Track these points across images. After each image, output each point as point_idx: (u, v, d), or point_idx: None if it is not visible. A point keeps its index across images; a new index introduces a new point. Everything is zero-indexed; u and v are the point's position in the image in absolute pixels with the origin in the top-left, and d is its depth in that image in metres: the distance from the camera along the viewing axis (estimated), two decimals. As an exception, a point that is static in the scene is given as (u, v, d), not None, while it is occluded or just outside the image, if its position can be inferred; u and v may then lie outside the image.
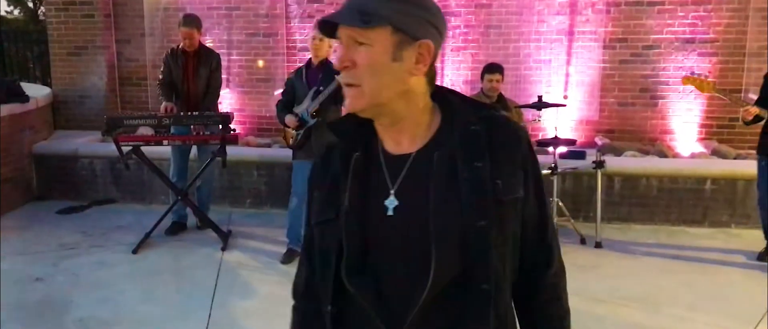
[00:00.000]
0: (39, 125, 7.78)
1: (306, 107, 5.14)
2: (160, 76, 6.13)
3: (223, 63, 7.72)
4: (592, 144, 7.48)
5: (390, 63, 1.38)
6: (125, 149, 5.74)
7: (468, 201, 1.36)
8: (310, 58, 5.31)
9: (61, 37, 8.43)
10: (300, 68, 5.42)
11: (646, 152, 7.09)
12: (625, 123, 7.62)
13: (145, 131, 6.95)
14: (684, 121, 7.48)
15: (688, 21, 7.36)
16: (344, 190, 1.44)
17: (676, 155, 7.24)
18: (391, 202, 1.42)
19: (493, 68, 6.01)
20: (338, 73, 1.51)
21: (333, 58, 4.54)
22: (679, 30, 7.40)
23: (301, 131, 5.18)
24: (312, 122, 5.09)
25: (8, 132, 6.98)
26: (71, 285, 5.00)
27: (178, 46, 6.07)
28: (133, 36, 8.42)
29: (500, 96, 6.07)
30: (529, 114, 6.36)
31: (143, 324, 4.34)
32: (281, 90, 5.63)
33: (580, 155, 6.62)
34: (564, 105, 6.24)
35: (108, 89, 8.43)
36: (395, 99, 1.41)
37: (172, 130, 5.93)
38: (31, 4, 12.30)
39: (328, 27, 1.42)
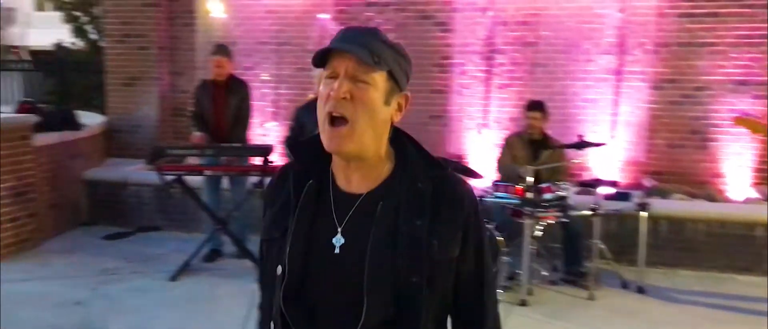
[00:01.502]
0: (91, 152, 8.01)
1: None
2: (192, 109, 6.27)
3: (272, 97, 7.85)
4: (639, 186, 7.30)
5: (381, 106, 1.47)
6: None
7: (403, 256, 1.44)
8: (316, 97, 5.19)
9: (116, 68, 8.72)
10: (309, 104, 5.09)
11: (694, 196, 6.88)
12: (674, 165, 7.42)
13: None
14: (737, 164, 7.24)
15: (742, 63, 7.17)
16: (293, 215, 1.51)
17: (726, 200, 7.01)
18: (338, 240, 1.48)
19: (532, 106, 5.96)
20: None
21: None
22: (732, 72, 7.21)
23: None
24: None
25: (60, 158, 7.21)
26: (108, 310, 5.09)
27: (208, 79, 6.22)
28: (185, 69, 8.64)
29: (545, 135, 5.99)
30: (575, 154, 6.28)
31: (172, 352, 4.38)
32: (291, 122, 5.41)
33: (625, 196, 6.48)
34: (604, 145, 6.13)
35: (159, 119, 8.65)
36: (373, 140, 1.48)
37: (205, 161, 6.04)
38: (93, 36, 12.75)
39: (321, 58, 1.47)
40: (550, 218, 5.46)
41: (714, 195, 6.91)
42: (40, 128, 6.90)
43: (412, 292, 1.44)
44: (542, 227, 5.55)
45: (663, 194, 6.90)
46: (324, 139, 1.47)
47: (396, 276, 1.43)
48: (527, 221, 5.26)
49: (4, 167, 6.25)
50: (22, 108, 7.31)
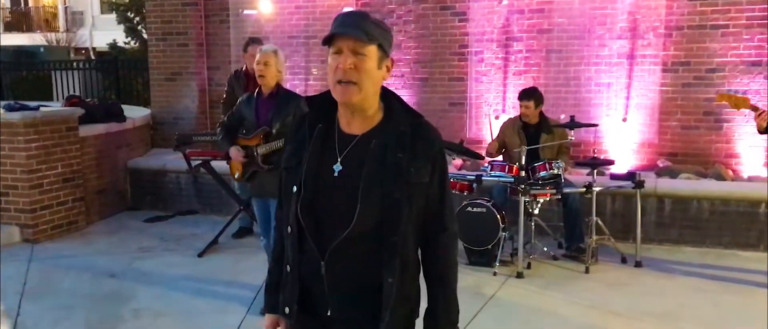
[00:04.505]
0: (135, 142, 8.65)
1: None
2: (224, 96, 6.71)
3: (300, 88, 8.31)
4: (653, 167, 7.48)
5: (376, 70, 1.98)
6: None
7: (389, 179, 1.96)
8: (260, 87, 4.63)
9: (159, 64, 9.34)
10: (251, 94, 4.72)
11: (704, 175, 7.02)
12: (688, 146, 7.55)
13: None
14: (749, 145, 7.33)
15: (754, 44, 7.25)
16: (307, 149, 2.05)
17: (736, 179, 7.12)
18: (337, 167, 2.02)
19: (523, 95, 6.22)
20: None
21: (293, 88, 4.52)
22: (745, 53, 7.29)
23: (249, 169, 4.71)
24: (264, 167, 4.59)
25: (105, 148, 7.84)
26: (137, 281, 5.63)
27: (241, 68, 6.68)
28: (221, 63, 9.19)
29: (541, 119, 6.25)
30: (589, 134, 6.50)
31: (187, 315, 4.88)
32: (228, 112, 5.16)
33: (632, 176, 6.67)
34: (596, 125, 6.34)
35: (199, 111, 9.23)
36: (372, 95, 2.01)
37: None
38: (145, 35, 13.49)
39: (328, 39, 1.98)
40: (545, 195, 5.74)
41: (722, 174, 7.03)
42: (86, 120, 7.54)
43: (395, 205, 1.96)
44: (539, 204, 5.84)
45: (672, 174, 7.06)
46: (337, 94, 1.98)
47: (383, 193, 1.95)
48: (522, 198, 5.56)
49: (53, 156, 6.89)
50: (70, 102, 7.97)
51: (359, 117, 2.03)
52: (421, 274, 2.13)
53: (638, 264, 5.88)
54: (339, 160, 2.01)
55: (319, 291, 2.04)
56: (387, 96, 2.08)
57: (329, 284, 2.01)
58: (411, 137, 2.01)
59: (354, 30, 1.93)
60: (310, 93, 8.70)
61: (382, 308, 1.99)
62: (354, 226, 1.94)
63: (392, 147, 1.98)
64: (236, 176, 4.88)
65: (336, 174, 2.00)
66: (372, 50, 1.95)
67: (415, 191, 2.00)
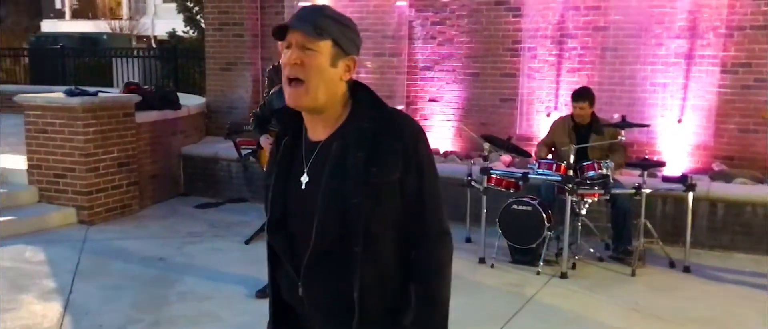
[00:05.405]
0: (190, 130, 8.84)
1: None
2: (266, 88, 6.79)
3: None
4: (708, 170, 7.28)
5: (328, 67, 1.82)
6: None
7: (348, 183, 1.79)
8: None
9: (215, 54, 9.52)
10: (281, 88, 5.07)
11: (761, 181, 6.81)
12: (745, 151, 7.33)
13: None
14: (813, 150, 7.08)
15: (820, 46, 7.00)
16: (274, 165, 1.96)
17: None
18: (304, 178, 1.88)
19: (577, 96, 6.10)
20: None
21: None
22: (810, 55, 7.05)
23: None
24: None
25: (160, 134, 8.04)
26: (185, 265, 5.77)
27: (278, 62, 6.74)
28: (275, 54, 9.27)
29: (593, 117, 6.15)
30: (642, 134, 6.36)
31: (231, 300, 4.98)
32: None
33: (684, 179, 6.52)
34: (648, 126, 6.20)
35: (252, 101, 9.36)
36: (325, 96, 1.83)
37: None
38: (202, 25, 13.74)
39: (280, 32, 1.85)
40: (594, 195, 5.66)
41: (781, 180, 6.81)
42: (143, 106, 7.73)
43: (355, 211, 1.78)
44: (587, 204, 5.76)
45: (727, 178, 6.87)
46: (286, 97, 1.84)
47: (343, 199, 1.79)
48: (569, 198, 5.49)
49: (109, 140, 7.10)
50: (128, 89, 8.18)
51: (321, 122, 1.88)
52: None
53: (687, 269, 5.75)
54: (305, 171, 1.88)
55: (303, 312, 1.95)
56: (356, 93, 1.91)
57: (309, 304, 1.90)
58: (372, 132, 1.82)
59: (302, 23, 1.79)
60: (361, 86, 8.74)
61: (353, 324, 1.83)
62: (315, 240, 1.81)
63: (352, 147, 1.82)
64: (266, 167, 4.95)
65: (303, 187, 1.87)
66: (323, 46, 1.80)
67: (381, 191, 1.81)
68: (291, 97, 1.83)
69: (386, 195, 1.83)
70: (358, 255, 1.80)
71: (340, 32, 1.83)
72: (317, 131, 1.90)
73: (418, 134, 1.89)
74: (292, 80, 1.82)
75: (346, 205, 1.79)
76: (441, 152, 8.33)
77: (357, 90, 1.92)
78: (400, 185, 1.84)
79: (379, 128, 1.83)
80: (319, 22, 1.80)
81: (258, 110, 5.12)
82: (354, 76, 1.90)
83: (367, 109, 1.88)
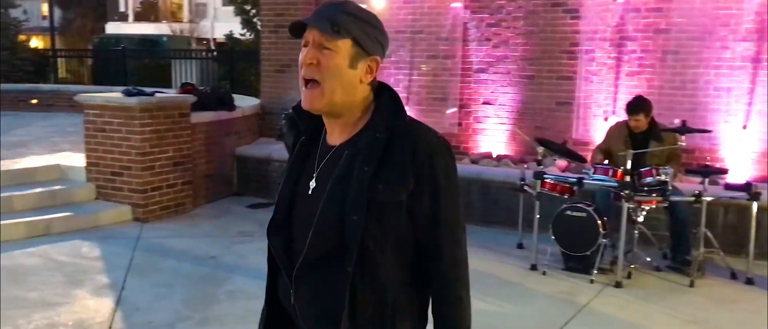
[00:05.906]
0: (244, 131, 8.92)
1: None
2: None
3: (405, 82, 8.32)
4: (772, 179, 6.99)
5: (347, 69, 1.69)
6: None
7: (349, 198, 1.66)
8: None
9: (270, 56, 9.59)
10: None
11: (831, 191, 6.49)
12: (815, 158, 7.01)
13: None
14: None
15: None
16: (288, 164, 1.87)
17: None
18: (312, 183, 1.77)
19: (632, 109, 5.92)
20: None
21: None
22: None
23: None
24: None
25: (214, 134, 8.13)
26: (236, 265, 5.80)
27: None
28: (329, 56, 9.31)
29: (652, 122, 5.96)
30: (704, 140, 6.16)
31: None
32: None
33: (748, 187, 6.26)
34: (710, 131, 5.96)
35: (305, 103, 9.39)
36: (343, 99, 1.71)
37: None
38: (259, 28, 13.91)
39: (297, 29, 1.76)
40: (651, 202, 5.47)
41: None
42: (198, 107, 7.83)
43: (352, 228, 1.65)
44: (644, 212, 5.58)
45: (795, 187, 6.57)
46: (302, 99, 1.74)
47: (342, 213, 1.66)
48: (625, 205, 5.32)
49: (165, 140, 7.20)
50: (184, 90, 8.31)
51: (338, 126, 1.76)
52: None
53: (749, 281, 5.50)
54: (315, 176, 1.77)
55: (297, 322, 1.84)
56: (380, 96, 1.77)
57: (300, 312, 1.78)
58: (385, 143, 1.68)
59: (319, 20, 1.67)
60: (414, 89, 8.70)
61: None
62: (307, 249, 1.70)
63: (361, 158, 1.67)
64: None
65: (309, 192, 1.76)
66: (342, 45, 1.67)
67: (385, 212, 1.67)
68: (306, 99, 1.72)
69: (390, 216, 1.69)
70: (350, 277, 1.68)
71: (362, 31, 1.70)
72: (334, 135, 1.79)
73: (437, 150, 1.72)
74: (307, 81, 1.71)
75: (344, 220, 1.67)
76: (494, 156, 8.22)
77: (382, 94, 1.78)
78: (411, 206, 1.70)
79: (394, 139, 1.69)
80: (338, 19, 1.67)
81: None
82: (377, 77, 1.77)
83: (385, 117, 1.73)
